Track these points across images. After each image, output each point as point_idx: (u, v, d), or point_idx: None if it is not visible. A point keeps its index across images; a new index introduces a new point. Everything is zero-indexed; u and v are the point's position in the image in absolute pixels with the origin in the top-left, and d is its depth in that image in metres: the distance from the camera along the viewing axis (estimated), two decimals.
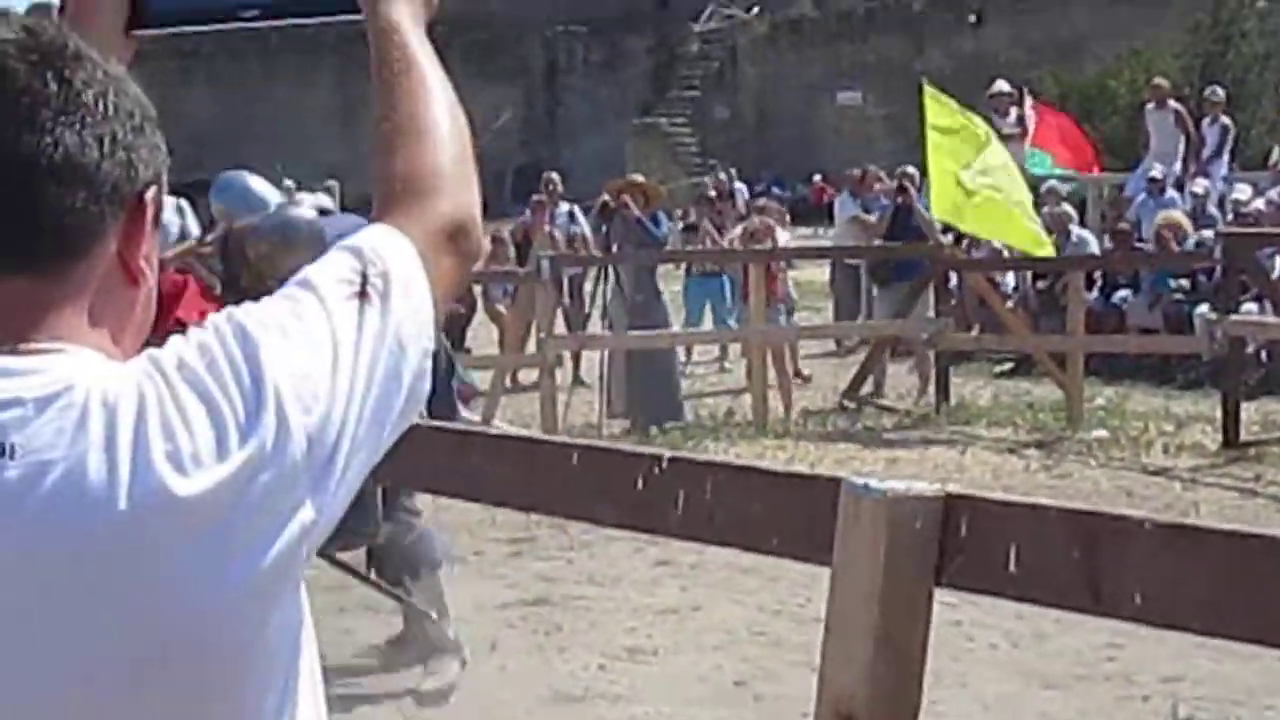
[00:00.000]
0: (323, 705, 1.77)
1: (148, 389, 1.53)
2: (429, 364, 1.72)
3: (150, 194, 1.64)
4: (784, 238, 17.54)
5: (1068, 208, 17.34)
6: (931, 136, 13.26)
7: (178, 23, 1.94)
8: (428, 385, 1.72)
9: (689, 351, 16.89)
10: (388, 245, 1.70)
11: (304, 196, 17.27)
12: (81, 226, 1.57)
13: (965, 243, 16.49)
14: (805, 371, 15.82)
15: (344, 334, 1.61)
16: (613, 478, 2.73)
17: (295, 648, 1.63)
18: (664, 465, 2.65)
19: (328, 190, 20.10)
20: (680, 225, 17.58)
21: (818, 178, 31.46)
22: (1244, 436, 11.79)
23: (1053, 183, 17.78)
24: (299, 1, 2.01)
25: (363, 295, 1.64)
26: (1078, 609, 2.17)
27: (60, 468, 1.49)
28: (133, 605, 1.51)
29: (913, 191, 15.74)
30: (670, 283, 17.14)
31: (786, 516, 2.48)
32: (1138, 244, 16.43)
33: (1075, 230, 16.72)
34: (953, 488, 2.39)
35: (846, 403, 13.94)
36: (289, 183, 25.16)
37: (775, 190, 36.72)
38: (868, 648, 2.28)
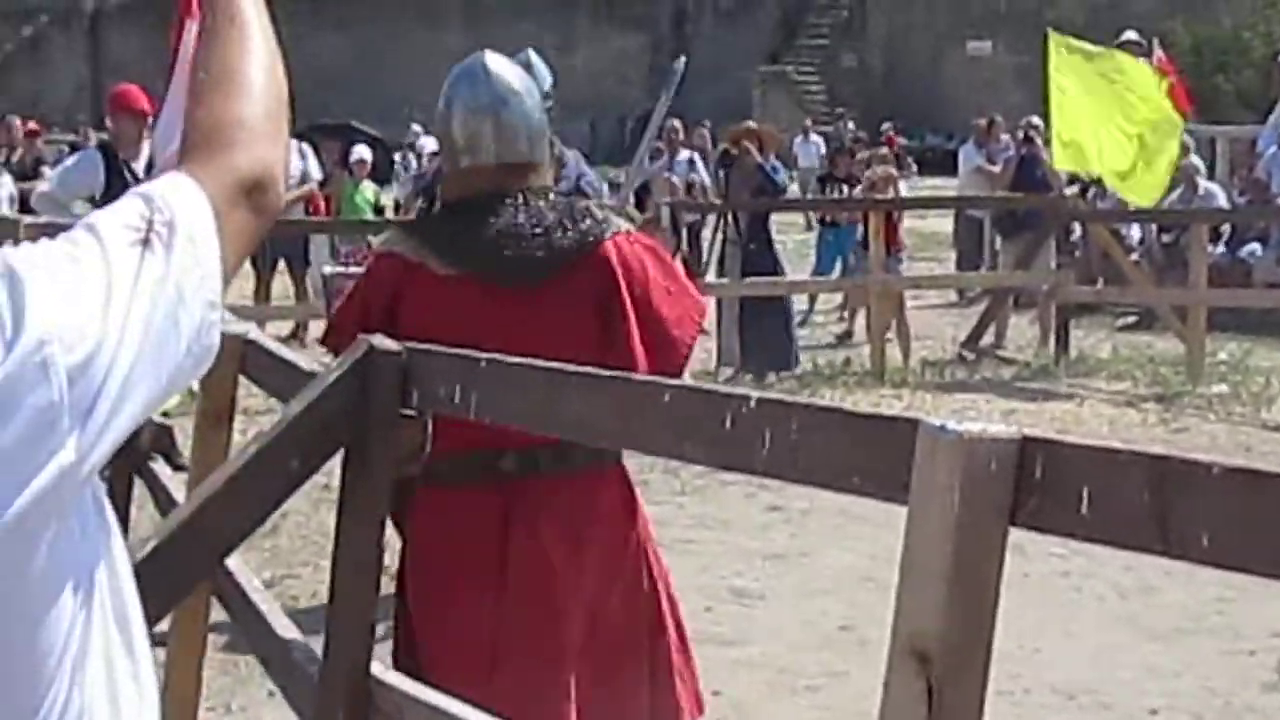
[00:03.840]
0: (138, 648, 1.74)
1: None
2: (216, 317, 1.71)
3: None
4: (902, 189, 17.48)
5: (1196, 160, 17.12)
6: (1055, 86, 13.13)
7: None
8: (215, 341, 1.71)
9: (812, 301, 16.89)
10: (179, 194, 1.69)
11: (428, 140, 17.45)
12: None
13: (1091, 194, 16.34)
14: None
15: (120, 279, 1.60)
16: (702, 417, 2.77)
17: (78, 587, 1.62)
18: (752, 405, 2.69)
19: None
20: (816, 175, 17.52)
21: (887, 126, 30.93)
22: None
23: (1183, 135, 17.53)
24: None
25: (145, 243, 1.63)
26: (1146, 550, 2.20)
27: None
28: None
29: (1038, 141, 15.61)
30: (799, 233, 17.17)
31: (867, 456, 2.52)
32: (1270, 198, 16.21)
33: (1202, 183, 16.51)
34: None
35: (965, 353, 13.90)
36: (416, 126, 25.43)
37: (902, 141, 36.49)
38: (942, 587, 2.32)
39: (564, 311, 3.96)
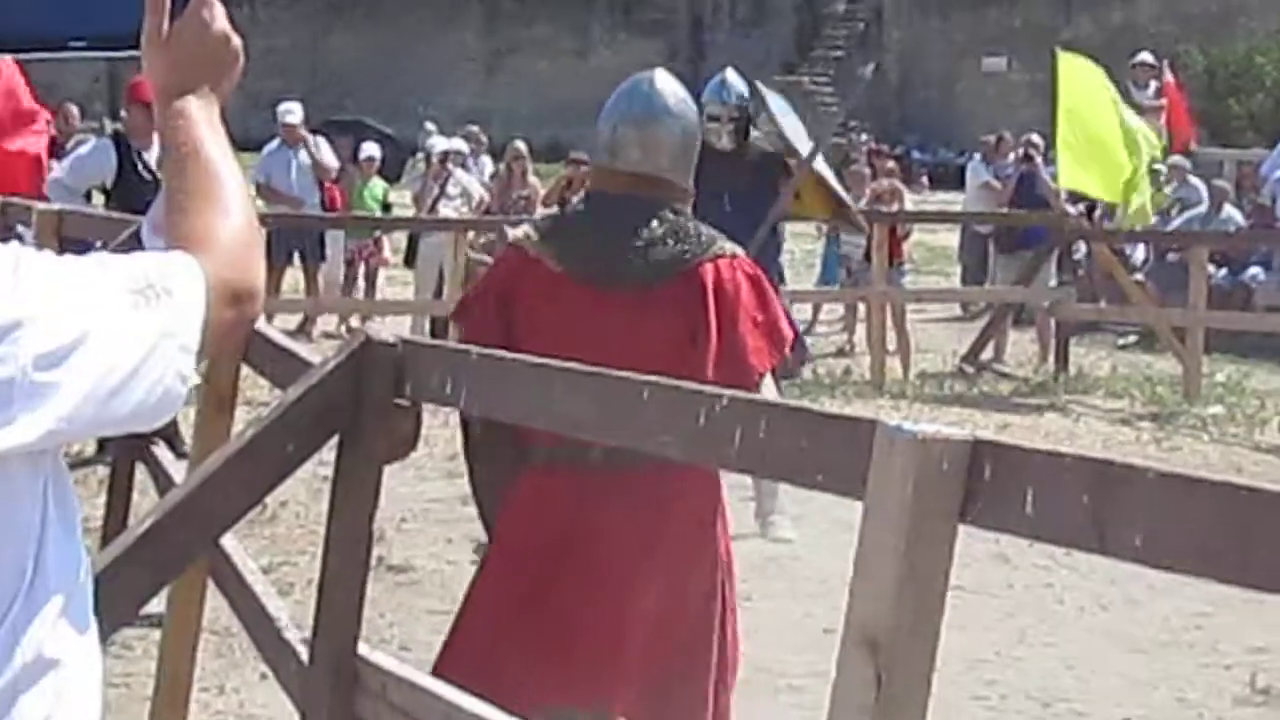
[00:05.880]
0: (87, 633, 1.83)
1: None
2: (183, 390, 1.82)
3: None
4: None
5: (1225, 183, 17.23)
6: (1063, 107, 13.22)
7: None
8: (177, 407, 1.82)
9: (816, 311, 16.97)
10: (186, 273, 1.83)
11: (438, 140, 17.57)
12: None
13: (1098, 213, 16.45)
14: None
15: (106, 308, 1.74)
16: (678, 413, 2.91)
17: (20, 568, 1.73)
18: (724, 403, 2.82)
19: (469, 135, 20.27)
20: None
21: (866, 138, 30.04)
22: None
23: (1177, 158, 17.64)
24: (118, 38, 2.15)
25: (143, 295, 1.77)
26: (1085, 549, 2.32)
27: None
28: None
29: (1038, 159, 15.72)
30: (804, 242, 17.28)
31: (831, 454, 2.64)
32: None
33: (1227, 207, 16.57)
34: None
35: (965, 367, 14.01)
36: (430, 125, 25.55)
37: (915, 155, 36.62)
38: (893, 579, 2.45)
39: (656, 321, 4.21)
